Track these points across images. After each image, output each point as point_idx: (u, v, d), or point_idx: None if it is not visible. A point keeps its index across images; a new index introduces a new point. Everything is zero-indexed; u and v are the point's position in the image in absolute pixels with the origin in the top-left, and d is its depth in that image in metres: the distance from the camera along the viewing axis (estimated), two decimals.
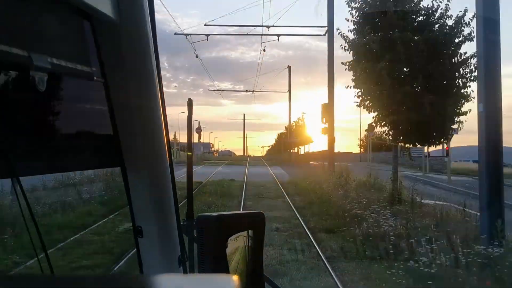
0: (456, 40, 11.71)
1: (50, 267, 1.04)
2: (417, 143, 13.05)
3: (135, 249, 1.32)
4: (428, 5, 11.97)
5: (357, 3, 12.26)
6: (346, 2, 12.37)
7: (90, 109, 1.12)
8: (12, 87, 0.82)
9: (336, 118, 22.61)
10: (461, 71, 11.72)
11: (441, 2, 11.80)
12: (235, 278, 0.46)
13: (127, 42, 1.08)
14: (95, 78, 1.04)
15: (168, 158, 1.27)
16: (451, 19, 11.76)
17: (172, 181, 1.29)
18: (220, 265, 1.10)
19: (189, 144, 1.41)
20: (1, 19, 0.75)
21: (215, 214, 1.15)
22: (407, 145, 12.99)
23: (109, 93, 1.11)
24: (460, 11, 11.65)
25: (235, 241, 1.18)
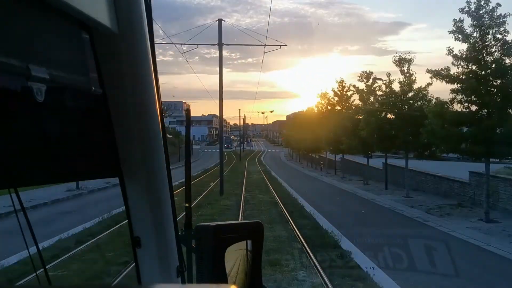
0: None
1: (48, 278, 1.04)
2: None
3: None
4: None
5: None
6: None
7: (88, 119, 1.12)
8: (11, 98, 0.82)
9: None
10: None
11: None
12: None
13: (125, 53, 1.09)
14: (93, 88, 1.04)
15: (166, 168, 1.27)
16: None
17: (170, 191, 1.29)
18: (218, 275, 1.10)
19: (187, 152, 1.41)
20: (0, 30, 0.75)
21: (213, 224, 1.15)
22: None
23: (107, 103, 1.11)
24: None
25: (233, 250, 1.18)
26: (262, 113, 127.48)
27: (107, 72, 1.08)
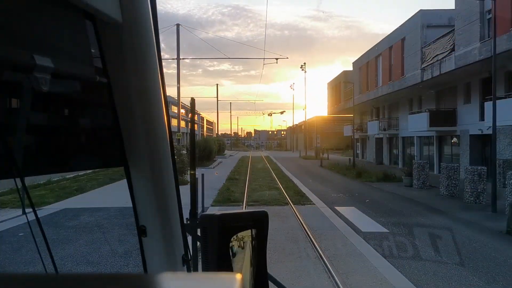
0: None
1: (54, 266, 1.05)
2: None
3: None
4: None
5: None
6: None
7: (93, 109, 1.12)
8: (16, 88, 0.82)
9: None
10: None
11: None
12: (238, 276, 0.46)
13: (129, 42, 1.08)
14: (98, 78, 1.04)
15: (171, 157, 1.27)
16: None
17: (175, 180, 1.29)
18: (223, 264, 1.10)
19: (192, 143, 1.41)
20: (4, 20, 0.75)
21: (218, 213, 1.15)
22: None
23: (112, 93, 1.11)
24: None
25: (238, 240, 1.18)
26: (269, 114, 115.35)
27: (112, 62, 1.08)
